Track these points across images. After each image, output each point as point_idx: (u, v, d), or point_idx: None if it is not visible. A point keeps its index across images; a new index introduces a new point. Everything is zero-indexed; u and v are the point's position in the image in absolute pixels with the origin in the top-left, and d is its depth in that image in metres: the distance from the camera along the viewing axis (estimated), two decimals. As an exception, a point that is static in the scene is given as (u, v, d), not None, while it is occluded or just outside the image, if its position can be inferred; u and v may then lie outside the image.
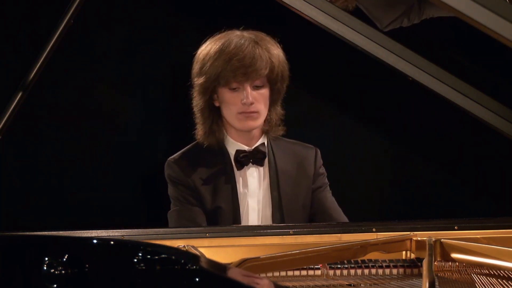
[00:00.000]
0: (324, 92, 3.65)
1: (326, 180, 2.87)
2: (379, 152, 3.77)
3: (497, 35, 1.68)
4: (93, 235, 2.26)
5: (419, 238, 2.32)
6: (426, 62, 2.45)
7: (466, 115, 2.47)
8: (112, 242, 1.57)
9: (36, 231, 2.13)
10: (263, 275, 2.06)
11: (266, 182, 2.75)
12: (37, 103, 3.35)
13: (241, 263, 1.98)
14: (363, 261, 2.21)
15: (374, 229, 2.36)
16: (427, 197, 3.80)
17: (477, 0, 1.67)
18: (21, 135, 3.37)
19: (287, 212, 2.72)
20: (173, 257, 1.51)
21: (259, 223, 2.73)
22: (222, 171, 2.74)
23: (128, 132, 3.56)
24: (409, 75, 2.45)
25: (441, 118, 3.54)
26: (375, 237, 2.33)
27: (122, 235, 2.27)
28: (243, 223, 2.71)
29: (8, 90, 2.39)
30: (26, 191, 3.47)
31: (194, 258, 1.74)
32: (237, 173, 2.74)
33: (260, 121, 2.72)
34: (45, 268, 1.53)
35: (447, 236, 2.29)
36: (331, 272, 2.18)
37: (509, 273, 2.11)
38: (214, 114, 2.75)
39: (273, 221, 2.72)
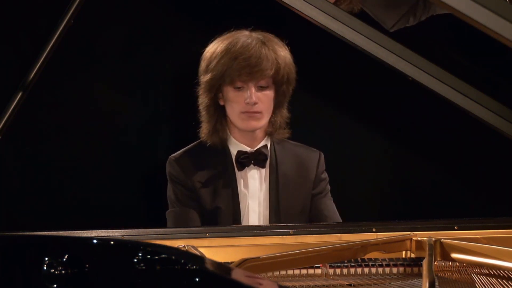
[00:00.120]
0: (324, 92, 3.65)
1: (328, 186, 2.85)
2: (379, 152, 3.77)
3: (497, 35, 1.68)
4: (93, 235, 2.26)
5: (419, 238, 2.32)
6: (426, 62, 2.45)
7: (466, 115, 2.47)
8: (112, 242, 1.57)
9: (36, 231, 2.13)
10: (263, 275, 2.06)
11: (267, 184, 2.75)
12: (37, 103, 3.35)
13: (241, 263, 1.98)
14: (363, 260, 2.21)
15: (374, 229, 2.36)
16: (427, 197, 3.80)
17: (477, 0, 1.67)
18: (21, 135, 3.37)
19: (285, 216, 2.72)
20: (173, 257, 1.51)
21: (260, 224, 2.73)
22: (223, 171, 2.74)
23: (128, 132, 3.56)
24: (409, 75, 2.45)
25: (441, 118, 3.53)
26: (375, 237, 2.33)
27: (122, 235, 2.27)
28: (244, 224, 2.71)
29: (8, 90, 2.39)
30: (26, 191, 3.47)
31: (196, 258, 1.74)
32: (238, 173, 2.74)
33: (263, 122, 2.72)
34: (45, 268, 1.53)
35: (447, 236, 2.29)
36: (331, 271, 2.18)
37: (509, 273, 2.11)
38: (219, 113, 2.75)
39: (271, 224, 2.72)
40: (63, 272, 1.53)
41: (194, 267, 1.48)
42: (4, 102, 2.36)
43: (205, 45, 2.81)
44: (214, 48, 2.71)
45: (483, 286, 2.05)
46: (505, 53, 2.18)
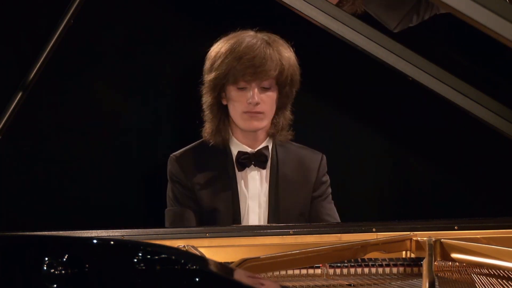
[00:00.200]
0: (324, 92, 3.65)
1: (329, 190, 2.85)
2: (379, 152, 3.77)
3: (497, 35, 1.68)
4: (93, 235, 2.26)
5: (419, 238, 2.32)
6: (426, 62, 2.44)
7: (466, 115, 2.47)
8: (112, 242, 1.57)
9: (36, 231, 2.13)
10: (263, 275, 2.06)
11: (267, 186, 2.75)
12: (37, 103, 3.35)
13: (241, 263, 1.98)
14: (363, 260, 2.21)
15: (374, 229, 2.36)
16: (427, 197, 3.80)
17: (477, 0, 1.67)
18: (21, 135, 3.37)
19: (284, 218, 2.72)
20: (173, 257, 1.51)
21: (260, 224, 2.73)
22: (223, 172, 2.74)
23: (128, 132, 3.56)
24: (409, 75, 2.45)
25: (441, 118, 3.53)
26: (375, 237, 2.33)
27: (122, 235, 2.27)
28: (243, 224, 2.71)
29: (8, 90, 2.39)
30: (26, 191, 3.47)
31: (196, 258, 1.74)
32: (238, 174, 2.74)
33: (265, 122, 2.72)
34: (45, 268, 1.53)
35: (447, 236, 2.29)
36: (331, 271, 2.18)
37: (509, 273, 2.11)
38: (222, 113, 2.75)
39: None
40: (63, 272, 1.53)
41: (194, 267, 1.48)
42: (4, 102, 2.36)
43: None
44: (219, 47, 2.72)
45: (483, 286, 2.05)
46: (505, 53, 2.18)
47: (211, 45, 2.80)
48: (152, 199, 3.55)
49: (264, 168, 2.75)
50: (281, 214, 2.72)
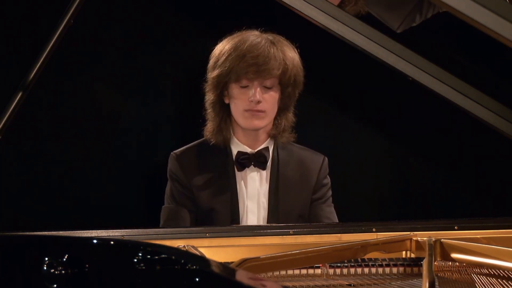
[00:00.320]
0: (324, 92, 3.65)
1: (329, 193, 2.84)
2: (379, 152, 3.77)
3: (497, 35, 1.68)
4: (93, 235, 2.26)
5: (419, 238, 2.32)
6: (426, 62, 2.45)
7: (466, 115, 2.47)
8: (112, 242, 1.57)
9: (36, 231, 2.13)
10: (263, 275, 2.06)
11: (267, 186, 2.75)
12: (37, 103, 3.35)
13: (241, 263, 1.98)
14: (363, 260, 2.21)
15: (374, 229, 2.36)
16: (427, 197, 3.80)
17: (477, 0, 1.67)
18: (21, 135, 3.36)
19: (283, 219, 2.71)
20: (173, 257, 1.51)
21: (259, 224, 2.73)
22: (223, 171, 2.74)
23: (128, 132, 3.56)
24: (409, 75, 2.45)
25: (441, 118, 3.53)
26: (375, 237, 2.33)
27: (122, 235, 2.27)
28: (242, 224, 2.71)
29: (8, 90, 2.39)
30: (26, 191, 3.47)
31: (196, 258, 1.74)
32: (238, 174, 2.74)
33: (265, 121, 2.72)
34: (45, 268, 1.53)
35: (447, 236, 2.29)
36: (331, 271, 2.18)
37: (509, 273, 2.11)
38: (224, 111, 2.76)
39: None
40: (63, 272, 1.53)
41: (194, 267, 1.48)
42: (4, 102, 2.36)
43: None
44: (223, 45, 2.73)
45: (483, 286, 2.05)
46: (505, 53, 2.18)
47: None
48: (152, 199, 3.54)
49: (264, 169, 2.75)
50: (281, 215, 2.72)
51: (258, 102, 2.67)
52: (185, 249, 2.20)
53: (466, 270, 2.17)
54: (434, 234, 2.31)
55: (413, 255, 2.32)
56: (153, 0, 3.62)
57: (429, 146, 3.76)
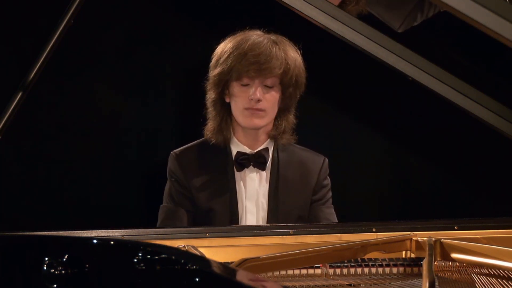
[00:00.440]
0: (324, 92, 3.65)
1: (329, 194, 2.84)
2: (379, 152, 3.77)
3: (497, 35, 1.68)
4: (93, 235, 2.26)
5: (419, 238, 2.32)
6: (426, 62, 2.45)
7: (466, 115, 2.47)
8: (112, 242, 1.57)
9: (36, 231, 2.13)
10: (263, 275, 2.06)
11: (266, 187, 2.75)
12: (37, 103, 3.35)
13: (241, 263, 1.98)
14: (363, 260, 2.21)
15: (374, 229, 2.36)
16: (427, 197, 3.80)
17: (477, 0, 1.67)
18: (21, 135, 3.36)
19: (283, 220, 2.71)
20: (173, 257, 1.51)
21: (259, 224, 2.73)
22: (222, 171, 2.74)
23: (128, 132, 3.56)
24: (409, 75, 2.45)
25: (441, 118, 3.53)
26: (375, 237, 2.33)
27: (122, 235, 2.27)
28: (241, 224, 2.71)
29: (8, 90, 2.39)
30: (26, 191, 3.47)
31: (196, 258, 1.74)
32: (237, 174, 2.74)
33: (265, 120, 2.72)
34: (45, 268, 1.53)
35: (447, 236, 2.29)
36: (331, 271, 2.18)
37: (509, 273, 2.11)
38: (225, 111, 2.75)
39: None
40: (63, 272, 1.53)
41: (194, 267, 1.48)
42: (4, 102, 2.36)
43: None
44: (225, 44, 2.73)
45: (483, 286, 2.05)
46: (505, 53, 2.18)
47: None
48: (152, 199, 3.54)
49: (263, 169, 2.75)
50: (280, 216, 2.72)
51: (258, 100, 2.67)
52: (185, 249, 2.20)
53: (466, 270, 2.17)
54: (434, 234, 2.31)
55: (413, 255, 2.32)
56: (153, 0, 3.62)
57: (429, 146, 3.76)
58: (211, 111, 2.78)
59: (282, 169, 2.76)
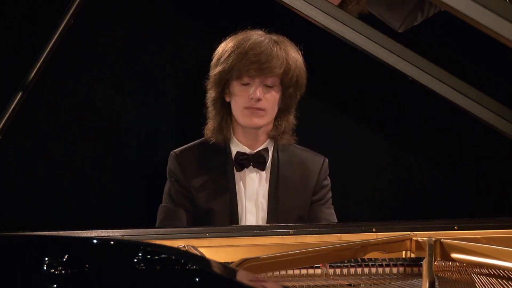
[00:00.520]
0: (324, 92, 3.65)
1: (329, 195, 2.83)
2: (379, 152, 3.77)
3: (497, 35, 1.68)
4: (93, 235, 2.26)
5: (419, 238, 2.32)
6: (426, 62, 2.45)
7: (466, 115, 2.47)
8: (112, 242, 1.57)
9: (36, 231, 2.13)
10: (263, 275, 2.06)
11: (266, 187, 2.75)
12: (37, 103, 3.35)
13: (241, 263, 1.98)
14: (363, 260, 2.21)
15: (374, 229, 2.36)
16: (427, 197, 3.80)
17: (477, 0, 1.67)
18: (21, 135, 3.36)
19: (283, 220, 2.71)
20: (173, 257, 1.51)
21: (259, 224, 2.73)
22: (222, 171, 2.74)
23: (128, 132, 3.56)
24: (409, 75, 2.45)
25: (441, 118, 3.53)
26: (375, 237, 2.33)
27: (122, 235, 2.27)
28: (240, 224, 2.71)
29: (8, 90, 2.39)
30: (26, 191, 3.47)
31: (196, 258, 1.74)
32: (237, 174, 2.74)
33: (265, 120, 2.72)
34: (45, 268, 1.53)
35: (447, 236, 2.29)
36: (331, 271, 2.18)
37: (509, 273, 2.11)
38: (225, 110, 2.75)
39: None
40: (63, 272, 1.53)
41: (194, 267, 1.48)
42: (4, 102, 2.36)
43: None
44: (226, 43, 2.74)
45: (483, 286, 2.05)
46: (505, 53, 2.18)
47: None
48: (152, 199, 3.54)
49: (263, 169, 2.75)
50: (280, 216, 2.72)
51: (258, 99, 2.67)
52: (185, 249, 2.19)
53: (466, 270, 2.17)
54: (434, 234, 2.31)
55: (413, 255, 2.32)
56: (153, 0, 3.62)
57: (429, 146, 3.76)
58: (211, 110, 2.78)
59: (282, 169, 2.76)
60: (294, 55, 2.72)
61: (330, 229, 2.40)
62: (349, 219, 2.75)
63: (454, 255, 2.21)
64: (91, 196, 3.51)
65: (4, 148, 3.33)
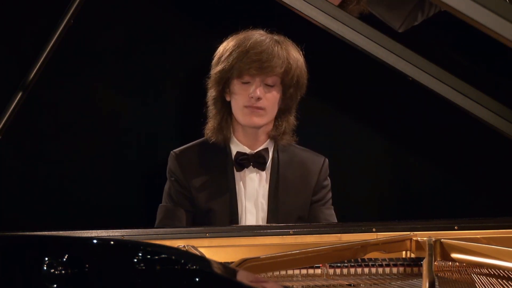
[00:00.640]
0: (324, 92, 3.65)
1: (329, 195, 2.83)
2: (379, 152, 3.77)
3: (497, 35, 1.68)
4: (93, 235, 2.26)
5: (419, 238, 2.32)
6: (426, 62, 2.45)
7: (466, 115, 2.47)
8: (112, 242, 1.57)
9: (36, 231, 2.13)
10: (263, 275, 2.06)
11: (266, 188, 2.75)
12: (37, 103, 3.35)
13: (241, 263, 1.98)
14: (363, 260, 2.21)
15: (374, 229, 2.36)
16: (427, 197, 3.80)
17: (477, 0, 1.67)
18: (21, 135, 3.36)
19: (283, 221, 2.71)
20: (173, 257, 1.51)
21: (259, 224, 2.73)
22: (222, 171, 2.74)
23: (128, 132, 3.56)
24: (409, 75, 2.45)
25: (441, 118, 3.53)
26: (375, 237, 2.33)
27: (122, 235, 2.27)
28: (240, 224, 2.71)
29: (8, 90, 2.39)
30: (26, 191, 3.47)
31: (196, 258, 1.74)
32: (237, 174, 2.74)
33: (265, 119, 2.71)
34: (45, 268, 1.53)
35: (447, 236, 2.29)
36: (331, 271, 2.18)
37: (509, 273, 2.11)
38: (225, 109, 2.75)
39: None
40: (63, 272, 1.53)
41: (194, 267, 1.48)
42: (4, 102, 2.36)
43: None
44: (227, 42, 2.74)
45: (483, 286, 2.05)
46: (505, 53, 2.18)
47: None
48: (152, 199, 3.54)
49: (263, 169, 2.75)
50: (280, 216, 2.72)
51: (258, 98, 2.67)
52: (185, 249, 2.19)
53: (466, 270, 2.17)
54: (434, 234, 2.31)
55: (413, 255, 2.32)
56: (153, 0, 3.62)
57: (429, 146, 3.76)
58: (211, 110, 2.77)
59: (282, 169, 2.76)
60: (296, 55, 2.72)
61: (330, 229, 2.40)
62: (349, 219, 2.75)
63: (454, 255, 2.21)
64: (91, 196, 3.51)
65: (4, 148, 3.33)
